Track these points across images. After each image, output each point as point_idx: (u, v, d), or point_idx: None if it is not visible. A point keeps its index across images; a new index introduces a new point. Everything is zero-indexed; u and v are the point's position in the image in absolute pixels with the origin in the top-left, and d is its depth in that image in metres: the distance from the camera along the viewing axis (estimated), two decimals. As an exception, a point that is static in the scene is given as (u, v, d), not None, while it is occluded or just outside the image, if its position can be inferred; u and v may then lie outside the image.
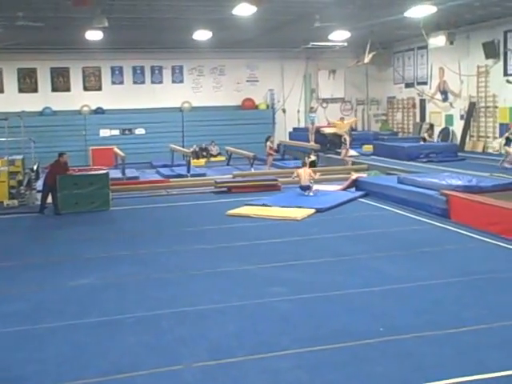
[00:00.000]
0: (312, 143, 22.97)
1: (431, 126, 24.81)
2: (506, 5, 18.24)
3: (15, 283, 8.69)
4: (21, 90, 25.73)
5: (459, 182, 12.98)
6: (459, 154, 21.02)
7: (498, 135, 21.54)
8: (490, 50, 21.21)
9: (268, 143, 21.50)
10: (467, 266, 8.85)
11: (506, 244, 10.02)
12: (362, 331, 6.43)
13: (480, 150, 22.20)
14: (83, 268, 9.29)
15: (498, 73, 21.27)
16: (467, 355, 5.79)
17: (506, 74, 20.86)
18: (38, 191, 15.49)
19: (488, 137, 22.07)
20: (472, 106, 22.67)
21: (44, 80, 25.92)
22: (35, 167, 17.87)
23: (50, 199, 14.23)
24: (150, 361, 5.85)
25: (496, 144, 21.24)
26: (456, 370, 5.43)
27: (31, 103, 25.22)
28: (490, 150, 21.65)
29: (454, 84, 23.61)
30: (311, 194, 14.98)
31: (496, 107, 21.57)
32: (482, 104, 22.24)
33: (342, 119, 25.47)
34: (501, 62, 21.12)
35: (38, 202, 14.49)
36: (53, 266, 9.51)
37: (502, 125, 21.30)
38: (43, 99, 25.72)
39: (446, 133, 24.36)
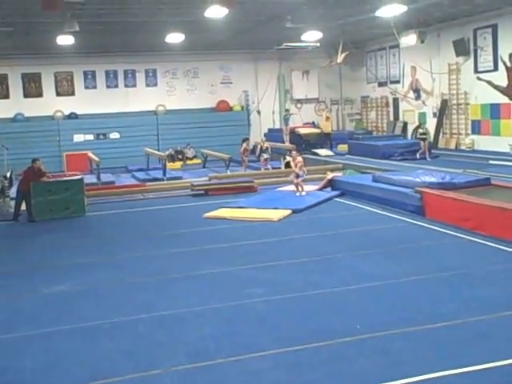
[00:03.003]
0: (287, 144, 23.04)
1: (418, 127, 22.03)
2: (474, 2, 18.50)
3: (-10, 292, 8.58)
4: (-8, 97, 25.45)
5: (433, 179, 13.11)
6: (433, 151, 21.24)
7: (470, 132, 21.82)
8: (461, 48, 21.48)
9: (244, 145, 21.52)
10: (442, 262, 8.94)
11: (479, 239, 10.15)
12: (339, 330, 6.46)
13: (453, 146, 22.48)
14: (59, 275, 9.20)
15: (468, 70, 21.54)
16: (443, 350, 5.84)
17: (476, 71, 21.14)
18: (12, 198, 15.29)
19: (460, 134, 22.34)
20: (444, 104, 22.94)
21: (15, 86, 25.64)
22: (8, 174, 17.67)
23: (24, 206, 14.07)
24: (128, 366, 5.81)
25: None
26: (433, 366, 5.48)
27: (3, 110, 24.98)
28: (463, 147, 21.92)
29: (426, 82, 23.87)
30: (303, 193, 15.00)
31: (468, 104, 21.84)
32: (454, 101, 22.51)
33: (327, 118, 25.62)
34: (471, 60, 21.40)
35: (12, 210, 14.32)
36: (27, 274, 9.40)
37: (473, 121, 21.60)
38: (15, 105, 25.45)
39: (415, 131, 24.55)
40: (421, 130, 21.02)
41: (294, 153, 16.03)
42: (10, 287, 8.77)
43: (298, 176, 15.13)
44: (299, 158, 15.42)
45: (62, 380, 5.60)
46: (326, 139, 24.85)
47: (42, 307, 7.76)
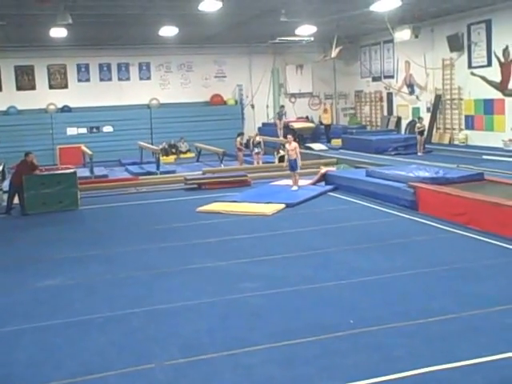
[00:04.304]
0: (281, 138, 23.03)
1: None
2: (469, -2, 18.50)
3: (-18, 286, 8.54)
4: (-16, 90, 25.29)
5: (426, 174, 13.13)
6: (426, 146, 21.26)
7: (463, 127, 21.86)
8: (455, 43, 21.47)
9: (238, 139, 21.50)
10: (435, 257, 8.96)
11: (472, 234, 10.18)
12: (332, 324, 6.47)
13: (446, 141, 22.50)
14: (51, 269, 9.17)
15: (462, 65, 21.54)
16: (436, 345, 5.86)
17: (470, 66, 21.14)
18: (5, 192, 15.23)
19: (454, 129, 22.36)
20: (438, 99, 22.94)
21: (8, 78, 25.46)
22: (1, 167, 17.60)
23: (16, 200, 14.02)
24: (121, 360, 5.81)
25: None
26: (425, 360, 5.50)
27: (-5, 102, 24.83)
28: (456, 142, 21.96)
29: (420, 77, 23.86)
30: (295, 187, 14.97)
31: (461, 99, 21.84)
32: (448, 96, 22.52)
33: (325, 110, 25.66)
34: (465, 55, 21.39)
35: (5, 203, 14.26)
36: (20, 268, 9.37)
37: (467, 117, 21.63)
38: (8, 98, 25.27)
39: (413, 125, 24.62)
40: (419, 125, 21.03)
41: (289, 136, 15.96)
42: (1, 281, 8.74)
43: (292, 168, 15.14)
44: (294, 144, 15.44)
45: (55, 374, 5.58)
46: (324, 132, 24.98)
47: (34, 301, 7.74)
